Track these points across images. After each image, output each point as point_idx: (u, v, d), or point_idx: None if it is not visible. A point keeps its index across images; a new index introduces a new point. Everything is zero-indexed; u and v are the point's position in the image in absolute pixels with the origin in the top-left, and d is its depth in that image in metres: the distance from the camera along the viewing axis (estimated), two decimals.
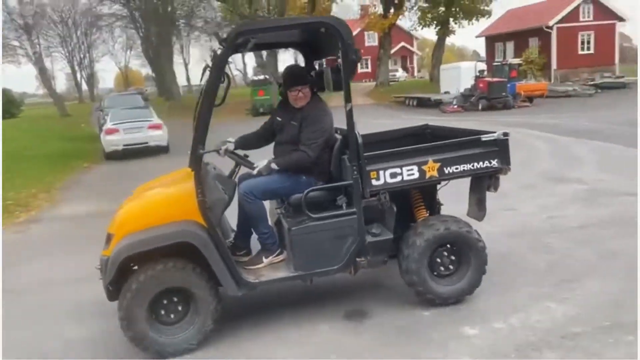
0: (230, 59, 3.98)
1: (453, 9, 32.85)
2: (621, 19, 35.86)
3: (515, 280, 4.39)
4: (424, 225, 3.92)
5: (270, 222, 4.17)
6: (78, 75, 65.36)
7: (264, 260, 3.96)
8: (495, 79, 22.04)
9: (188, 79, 69.76)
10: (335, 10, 40.82)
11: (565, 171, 8.68)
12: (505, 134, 3.92)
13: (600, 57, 34.92)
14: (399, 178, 3.78)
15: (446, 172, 3.84)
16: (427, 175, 3.82)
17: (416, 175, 3.80)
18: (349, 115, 3.66)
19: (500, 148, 3.91)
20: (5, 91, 34.99)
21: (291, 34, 4.09)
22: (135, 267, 3.61)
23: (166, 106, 31.32)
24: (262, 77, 29.43)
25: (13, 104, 35.98)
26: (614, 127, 13.32)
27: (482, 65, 24.07)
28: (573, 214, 6.22)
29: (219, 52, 3.52)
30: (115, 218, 3.74)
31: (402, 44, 53.57)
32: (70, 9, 51.08)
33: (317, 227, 3.75)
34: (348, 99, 3.64)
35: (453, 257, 3.97)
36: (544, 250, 5.06)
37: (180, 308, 3.65)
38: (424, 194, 4.23)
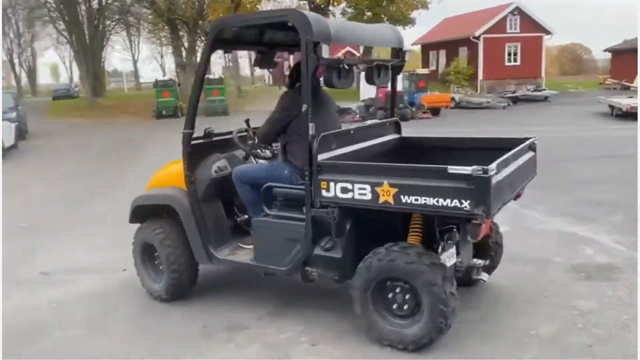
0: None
1: (381, 16, 31.86)
2: (548, 32, 35.73)
3: None
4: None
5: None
6: (18, 69, 59.06)
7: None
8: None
9: (136, 75, 65.90)
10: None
11: None
12: (486, 171, 2.91)
13: (527, 69, 34.86)
14: (349, 195, 3.34)
15: (403, 201, 3.17)
16: (381, 199, 3.23)
17: (368, 196, 3.27)
18: (305, 118, 3.42)
19: (476, 187, 2.95)
20: None
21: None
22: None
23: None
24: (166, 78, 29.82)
25: None
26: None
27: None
28: None
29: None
30: None
31: (347, 48, 47.78)
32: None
33: (271, 223, 3.79)
34: (307, 101, 3.39)
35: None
36: None
37: (156, 262, 4.32)
38: (427, 218, 3.51)
